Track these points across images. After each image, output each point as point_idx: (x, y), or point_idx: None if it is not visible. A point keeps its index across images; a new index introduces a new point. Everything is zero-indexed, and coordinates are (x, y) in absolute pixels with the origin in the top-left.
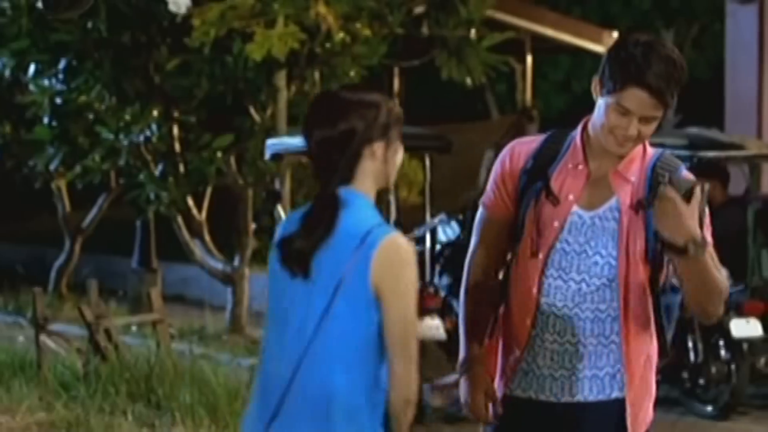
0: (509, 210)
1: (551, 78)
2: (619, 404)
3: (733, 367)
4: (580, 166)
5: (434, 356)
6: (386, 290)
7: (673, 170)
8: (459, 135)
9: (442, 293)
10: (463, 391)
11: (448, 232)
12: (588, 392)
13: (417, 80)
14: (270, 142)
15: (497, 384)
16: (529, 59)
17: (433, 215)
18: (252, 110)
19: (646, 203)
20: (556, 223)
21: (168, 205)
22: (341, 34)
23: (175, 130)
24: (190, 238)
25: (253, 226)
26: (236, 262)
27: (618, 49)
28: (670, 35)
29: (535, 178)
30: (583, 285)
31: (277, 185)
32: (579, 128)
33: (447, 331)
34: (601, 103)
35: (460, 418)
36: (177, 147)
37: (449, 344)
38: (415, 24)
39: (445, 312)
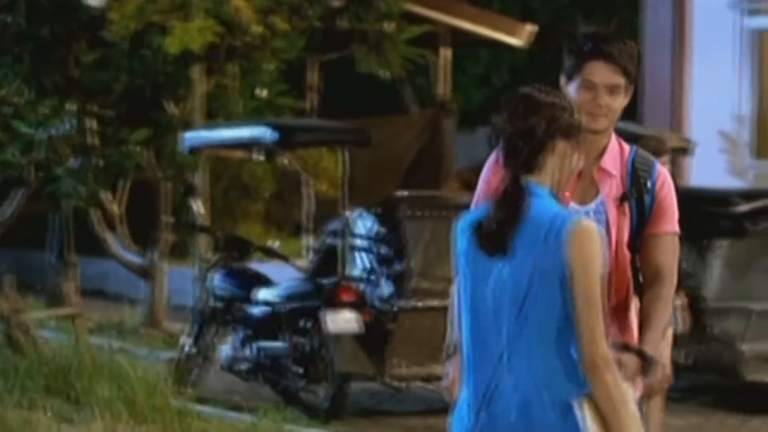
0: None
1: (470, 71)
2: None
3: None
4: None
5: (352, 350)
6: (576, 269)
7: (650, 167)
8: (377, 129)
9: (359, 286)
10: (451, 373)
11: (365, 225)
12: None
13: (335, 74)
14: (187, 135)
15: None
16: (447, 53)
17: (350, 209)
18: (170, 104)
19: (630, 195)
20: None
21: (86, 200)
22: (259, 28)
23: (93, 124)
24: (107, 232)
25: (170, 219)
26: (153, 256)
27: (570, 41)
28: (590, 27)
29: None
30: None
31: (194, 179)
32: None
33: (363, 324)
34: (570, 89)
35: (379, 412)
36: (95, 141)
37: (365, 337)
38: (333, 17)
39: (361, 305)
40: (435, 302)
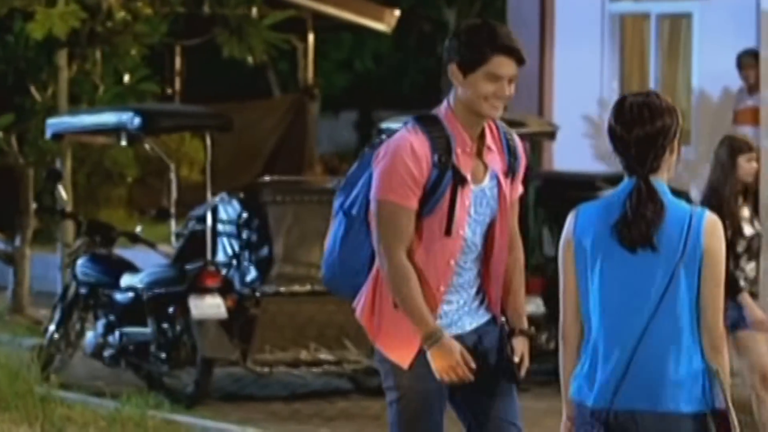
0: (417, 202)
1: (333, 56)
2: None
3: None
4: (468, 149)
5: (216, 335)
6: (709, 258)
7: (515, 137)
8: (240, 114)
9: (223, 272)
10: (440, 360)
11: (229, 210)
12: (481, 318)
13: (198, 59)
14: (50, 121)
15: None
16: (310, 37)
17: (214, 194)
18: (33, 89)
19: (512, 167)
20: (467, 202)
21: None
22: (122, 13)
23: None
24: None
25: (34, 205)
26: (17, 242)
27: (468, 34)
28: (453, 13)
29: (445, 169)
30: (484, 249)
31: (58, 164)
32: (445, 114)
33: (228, 309)
34: (468, 80)
35: (243, 397)
36: None
37: (230, 323)
38: (196, 2)
39: (226, 291)
40: (298, 287)
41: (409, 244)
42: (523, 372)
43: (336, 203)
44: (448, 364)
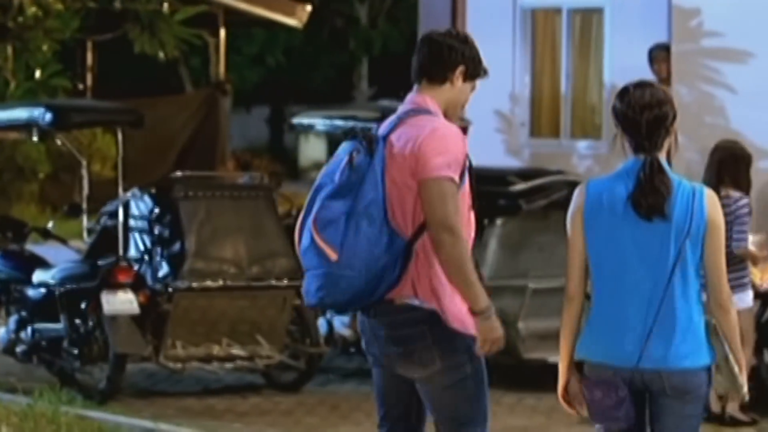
0: None
1: (245, 52)
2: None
3: None
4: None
5: (128, 331)
6: (713, 228)
7: None
8: (152, 109)
9: (136, 268)
10: (491, 332)
11: (140, 206)
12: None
13: (110, 54)
14: None
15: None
16: (222, 33)
17: (126, 189)
18: None
19: None
20: (467, 184)
21: None
22: (33, 9)
23: None
24: None
25: None
26: None
27: (473, 44)
28: (365, 8)
29: (468, 159)
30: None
31: None
32: (441, 115)
33: (140, 304)
34: (465, 87)
35: (156, 392)
36: None
37: (142, 318)
38: None
39: (138, 286)
40: (211, 283)
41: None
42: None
43: (339, 209)
44: (497, 336)
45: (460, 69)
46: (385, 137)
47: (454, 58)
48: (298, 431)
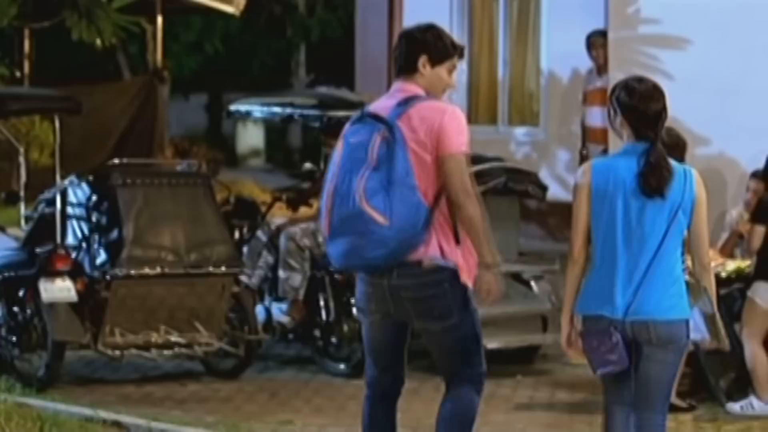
0: None
1: (183, 39)
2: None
3: None
4: None
5: (67, 318)
6: (700, 203)
7: None
8: (90, 96)
9: (74, 255)
10: (495, 284)
11: (78, 193)
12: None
13: (48, 41)
14: None
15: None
16: (159, 20)
17: (63, 177)
18: None
19: None
20: None
21: None
22: None
23: None
24: None
25: None
26: None
27: (435, 32)
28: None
29: None
30: None
31: None
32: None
33: (78, 292)
34: (438, 71)
35: (95, 380)
36: None
37: (80, 306)
38: None
39: (76, 274)
40: (149, 270)
41: None
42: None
43: (379, 180)
44: (497, 288)
45: (423, 58)
46: (396, 119)
47: (415, 48)
48: (237, 418)
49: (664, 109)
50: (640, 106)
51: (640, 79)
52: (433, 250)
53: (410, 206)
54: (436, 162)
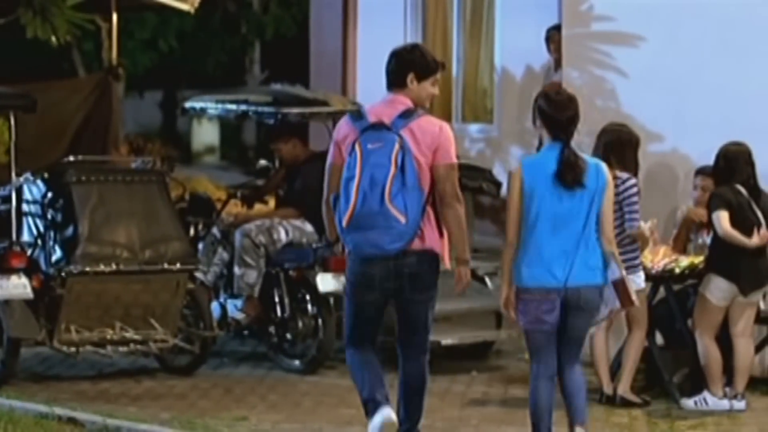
0: None
1: (137, 36)
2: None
3: (320, 321)
4: None
5: (22, 315)
6: (608, 187)
7: None
8: (45, 93)
9: (29, 252)
10: (467, 276)
11: (33, 191)
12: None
13: (2, 39)
14: None
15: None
16: (114, 17)
17: (18, 174)
18: None
19: None
20: None
21: None
22: None
23: None
24: None
25: None
26: None
27: (419, 52)
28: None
29: None
30: None
31: None
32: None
33: (33, 289)
34: (423, 86)
35: (50, 377)
36: None
37: (36, 303)
38: None
39: (31, 271)
40: (104, 267)
41: None
42: None
43: (400, 184)
44: (469, 279)
45: (411, 74)
46: (401, 130)
47: (404, 67)
48: (192, 414)
49: (576, 115)
50: (556, 113)
51: (558, 91)
52: (428, 239)
53: (419, 206)
54: (431, 169)
